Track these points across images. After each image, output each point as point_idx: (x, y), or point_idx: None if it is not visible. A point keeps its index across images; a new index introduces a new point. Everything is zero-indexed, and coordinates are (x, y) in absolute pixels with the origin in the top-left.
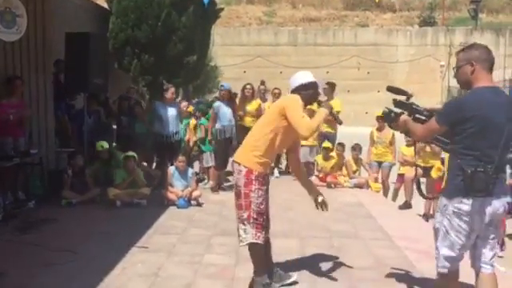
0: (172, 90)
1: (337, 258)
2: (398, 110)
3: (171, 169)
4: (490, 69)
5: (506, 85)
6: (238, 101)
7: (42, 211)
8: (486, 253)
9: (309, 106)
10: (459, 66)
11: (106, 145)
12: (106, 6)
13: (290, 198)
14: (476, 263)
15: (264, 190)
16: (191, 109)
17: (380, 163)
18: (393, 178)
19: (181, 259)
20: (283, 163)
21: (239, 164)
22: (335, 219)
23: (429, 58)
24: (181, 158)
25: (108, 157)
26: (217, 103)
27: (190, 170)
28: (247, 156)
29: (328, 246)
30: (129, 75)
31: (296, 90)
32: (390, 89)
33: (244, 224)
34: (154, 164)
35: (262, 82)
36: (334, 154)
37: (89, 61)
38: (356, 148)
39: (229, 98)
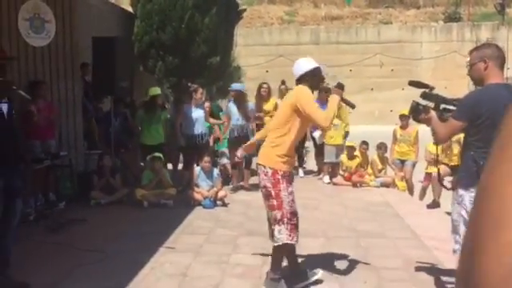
0: (201, 90)
1: (364, 257)
2: (424, 103)
3: (197, 169)
4: (502, 66)
5: None
6: (255, 100)
7: (71, 212)
8: None
9: None
10: (473, 63)
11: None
12: (130, 9)
13: (315, 197)
14: None
15: (292, 188)
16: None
17: (403, 161)
18: (417, 176)
19: (208, 259)
20: (307, 162)
21: (264, 166)
22: (362, 219)
23: (454, 54)
24: (206, 158)
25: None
26: (229, 104)
27: (215, 171)
28: (270, 157)
29: (355, 246)
30: (153, 77)
31: (301, 79)
32: (412, 83)
33: (279, 224)
34: (181, 165)
35: (283, 82)
36: (357, 152)
37: (115, 64)
38: (381, 147)
39: (238, 99)
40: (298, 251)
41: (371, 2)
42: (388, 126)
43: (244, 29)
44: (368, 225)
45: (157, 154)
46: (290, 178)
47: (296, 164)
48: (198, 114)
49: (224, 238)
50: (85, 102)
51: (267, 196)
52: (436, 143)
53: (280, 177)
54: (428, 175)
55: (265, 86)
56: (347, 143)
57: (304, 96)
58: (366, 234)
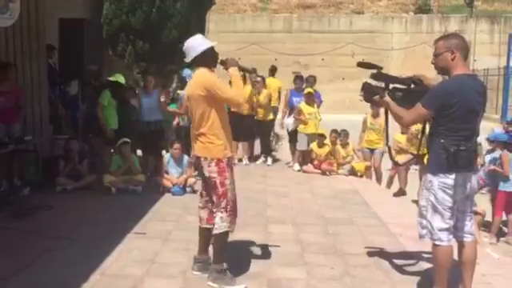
0: (149, 78)
1: (332, 244)
2: (375, 83)
3: (166, 156)
4: (467, 57)
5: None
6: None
7: (37, 198)
8: (467, 224)
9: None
10: (440, 52)
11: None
12: None
13: (284, 184)
14: (458, 234)
15: (233, 177)
16: (179, 93)
17: (372, 150)
18: (385, 165)
19: (176, 246)
20: (278, 150)
21: (205, 158)
22: (330, 206)
23: (424, 46)
24: (176, 145)
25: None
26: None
27: (186, 158)
28: (208, 148)
29: (323, 233)
30: (123, 62)
31: (196, 61)
32: (361, 64)
33: (221, 212)
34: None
35: (254, 70)
36: (327, 141)
37: (83, 47)
38: (341, 134)
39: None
40: (267, 237)
41: None
42: (358, 115)
43: (216, 15)
44: (336, 212)
45: (125, 140)
46: (231, 164)
47: (259, 152)
48: (148, 102)
49: (193, 225)
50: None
51: (212, 185)
52: (406, 132)
53: (225, 165)
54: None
55: (258, 78)
56: (319, 131)
57: (208, 80)
58: (334, 221)
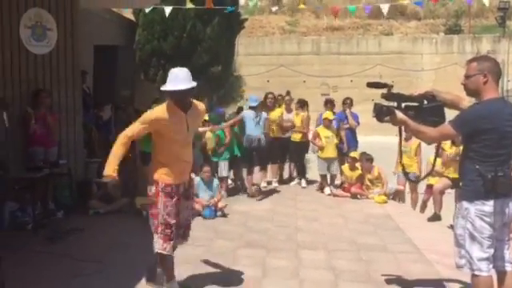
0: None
1: (366, 271)
2: (387, 103)
3: (196, 179)
4: (498, 81)
5: None
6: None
7: (70, 221)
8: (506, 252)
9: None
10: (472, 74)
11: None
12: (133, 18)
13: (314, 208)
14: (498, 263)
15: (174, 203)
16: (206, 117)
17: (405, 174)
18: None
19: (207, 271)
20: (309, 173)
21: (148, 176)
22: (362, 231)
23: (455, 66)
24: (205, 168)
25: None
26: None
27: (215, 181)
28: (153, 169)
29: (356, 260)
30: (155, 86)
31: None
32: (370, 84)
33: (155, 233)
34: None
35: (288, 93)
36: (358, 164)
37: (116, 72)
38: (363, 158)
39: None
40: (298, 263)
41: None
42: (388, 137)
43: (245, 38)
44: (369, 238)
45: None
46: (173, 191)
47: (295, 174)
48: None
49: (223, 249)
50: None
51: (151, 204)
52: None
53: (160, 189)
54: (429, 188)
55: (270, 95)
56: (351, 154)
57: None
58: (367, 247)
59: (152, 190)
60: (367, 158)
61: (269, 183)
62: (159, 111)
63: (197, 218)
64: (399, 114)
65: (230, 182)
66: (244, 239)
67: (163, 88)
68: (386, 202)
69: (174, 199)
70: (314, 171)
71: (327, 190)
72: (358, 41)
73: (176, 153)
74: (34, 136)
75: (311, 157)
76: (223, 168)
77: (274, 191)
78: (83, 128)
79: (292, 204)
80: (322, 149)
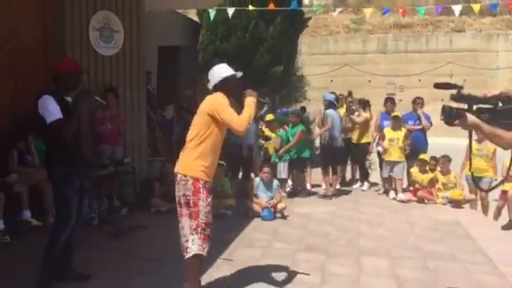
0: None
1: (433, 281)
2: (456, 105)
3: (256, 180)
4: None
5: None
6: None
7: (133, 218)
8: None
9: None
10: None
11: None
12: (197, 19)
13: (378, 212)
14: None
15: (211, 199)
16: (271, 117)
17: (480, 178)
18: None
19: (264, 274)
20: (372, 175)
21: (184, 175)
22: (429, 238)
23: None
24: (265, 169)
25: None
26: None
27: (275, 182)
28: (190, 166)
29: (422, 268)
30: None
31: (216, 87)
32: (438, 85)
33: (192, 234)
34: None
35: (350, 93)
36: (427, 167)
37: (179, 72)
38: (441, 160)
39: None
40: (360, 270)
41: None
42: (459, 139)
43: (309, 37)
44: (436, 245)
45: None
46: (210, 188)
47: (358, 177)
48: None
49: (282, 252)
50: (148, 109)
51: (186, 204)
52: (505, 149)
53: (201, 186)
54: (504, 194)
55: (350, 98)
56: (421, 156)
57: (217, 102)
58: (435, 255)
59: (189, 188)
60: (448, 160)
61: (330, 185)
62: (223, 98)
63: (255, 219)
64: (471, 117)
65: (289, 183)
66: (303, 242)
67: (221, 76)
68: (462, 197)
69: (211, 196)
70: (377, 173)
71: (392, 193)
72: (428, 38)
73: (219, 147)
74: (102, 134)
75: (375, 159)
76: (282, 170)
77: (335, 193)
78: (147, 127)
79: (354, 207)
80: (385, 151)
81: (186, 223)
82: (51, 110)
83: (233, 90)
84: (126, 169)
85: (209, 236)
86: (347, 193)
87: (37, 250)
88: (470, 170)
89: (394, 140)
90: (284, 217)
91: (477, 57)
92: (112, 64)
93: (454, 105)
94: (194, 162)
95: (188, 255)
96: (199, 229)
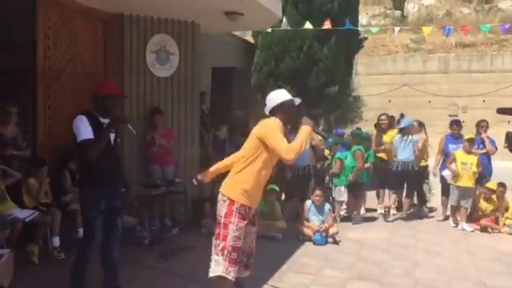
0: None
1: None
2: None
3: (307, 203)
4: None
5: None
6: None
7: (183, 239)
8: None
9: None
10: None
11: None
12: (252, 40)
13: (437, 241)
14: None
15: (244, 225)
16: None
17: None
18: None
19: None
20: (431, 200)
21: (223, 195)
22: (493, 271)
23: None
24: (317, 191)
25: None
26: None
27: (327, 205)
28: (232, 186)
29: None
30: None
31: (273, 112)
32: (501, 111)
33: (218, 255)
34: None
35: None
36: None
37: (232, 93)
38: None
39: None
40: None
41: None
42: None
43: (366, 57)
44: (501, 279)
45: (273, 186)
46: (246, 213)
47: (416, 202)
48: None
49: (332, 280)
50: (201, 130)
51: (218, 224)
52: None
53: (235, 209)
54: None
55: (383, 117)
56: (489, 184)
57: (269, 127)
58: None
59: (224, 209)
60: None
61: (385, 210)
62: (276, 124)
63: (306, 243)
64: None
65: (344, 206)
66: (356, 270)
67: (279, 100)
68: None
69: (245, 222)
70: (437, 198)
71: (451, 220)
72: (493, 57)
73: (265, 174)
74: (153, 155)
75: (434, 182)
76: (342, 193)
77: (392, 220)
78: (200, 147)
79: (411, 234)
80: (456, 176)
81: (215, 242)
82: (82, 129)
83: (289, 116)
84: (178, 189)
85: (235, 260)
86: (404, 219)
87: (90, 266)
88: None
89: (467, 164)
90: (336, 242)
91: None
92: (167, 84)
93: None
94: (235, 183)
95: (210, 275)
96: (225, 251)
